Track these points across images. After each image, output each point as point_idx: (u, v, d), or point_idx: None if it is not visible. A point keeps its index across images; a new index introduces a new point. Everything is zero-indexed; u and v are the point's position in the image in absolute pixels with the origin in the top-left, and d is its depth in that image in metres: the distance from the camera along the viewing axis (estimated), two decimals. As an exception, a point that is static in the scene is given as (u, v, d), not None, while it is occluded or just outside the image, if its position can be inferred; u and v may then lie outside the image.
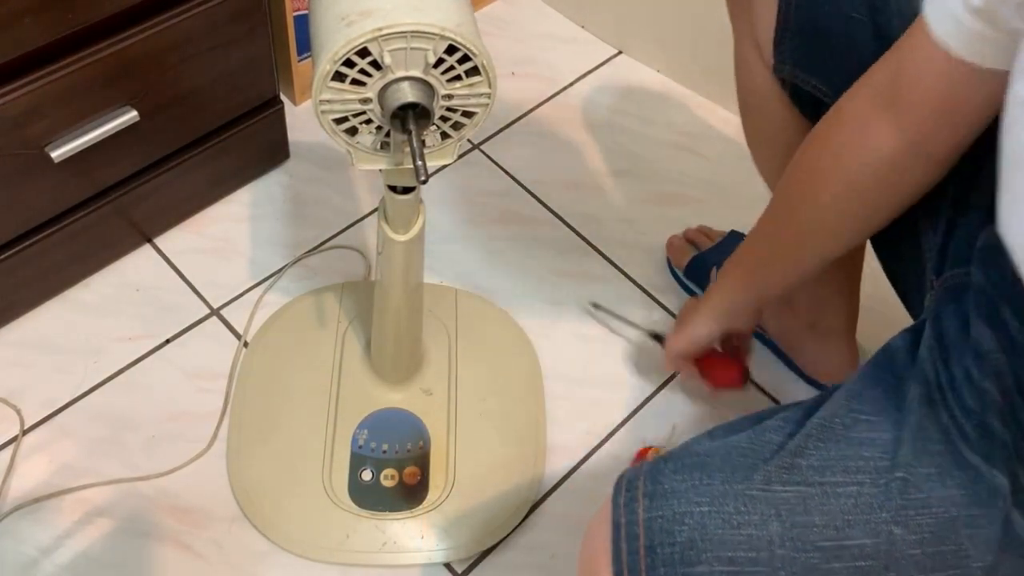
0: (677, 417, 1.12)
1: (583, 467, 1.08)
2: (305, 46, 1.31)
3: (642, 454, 1.05)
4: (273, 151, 1.27)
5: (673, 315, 1.21)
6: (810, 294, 1.05)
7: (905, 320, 0.85)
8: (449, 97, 0.63)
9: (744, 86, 0.94)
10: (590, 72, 1.47)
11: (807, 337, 1.10)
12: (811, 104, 0.85)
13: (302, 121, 1.33)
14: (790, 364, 1.15)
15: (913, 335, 0.68)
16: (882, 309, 0.97)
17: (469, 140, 0.69)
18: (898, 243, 0.81)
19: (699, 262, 1.19)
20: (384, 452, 1.02)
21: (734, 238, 1.20)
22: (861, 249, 1.02)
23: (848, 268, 1.03)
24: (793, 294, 1.08)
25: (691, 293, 1.21)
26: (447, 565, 0.99)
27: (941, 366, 0.62)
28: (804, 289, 1.06)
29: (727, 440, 0.60)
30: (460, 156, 1.32)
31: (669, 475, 0.57)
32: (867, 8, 0.75)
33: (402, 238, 0.84)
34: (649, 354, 1.17)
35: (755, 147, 1.00)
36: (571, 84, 1.45)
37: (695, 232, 1.24)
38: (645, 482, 0.58)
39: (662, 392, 1.14)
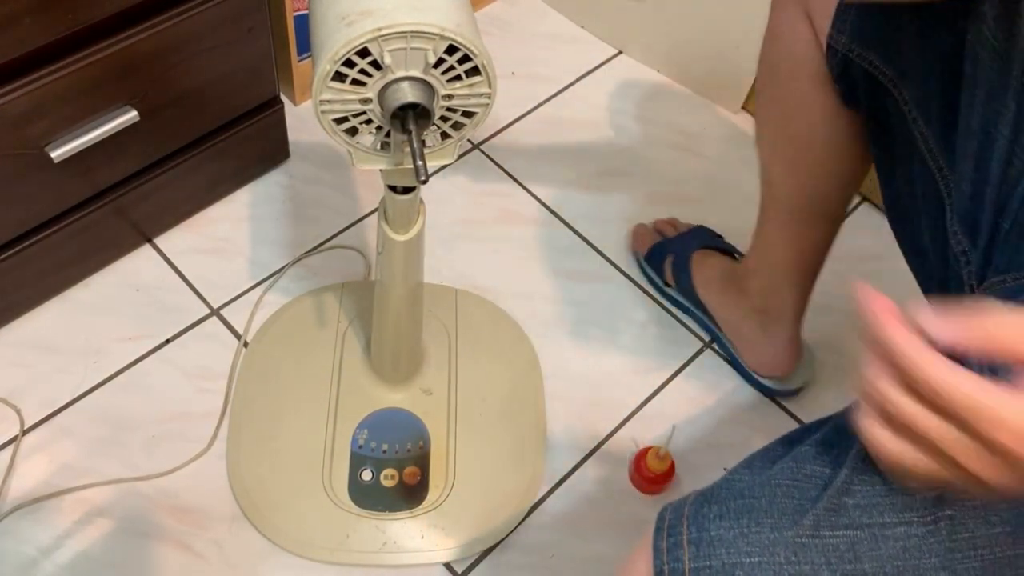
0: (677, 417, 1.12)
1: (583, 467, 1.08)
2: (305, 46, 1.31)
3: (642, 454, 1.05)
4: (273, 151, 1.27)
5: (671, 314, 1.21)
6: (764, 279, 1.07)
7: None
8: (449, 97, 0.63)
9: (779, 52, 0.91)
10: (590, 72, 1.47)
11: (754, 322, 1.11)
12: (865, 80, 0.81)
13: (302, 121, 1.33)
14: (733, 362, 1.16)
15: None
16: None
17: (469, 140, 0.69)
18: (927, 242, 0.80)
19: (658, 249, 1.22)
20: (384, 452, 1.02)
21: (699, 231, 1.22)
22: (824, 247, 1.03)
23: (808, 261, 1.04)
24: (747, 279, 1.10)
25: (651, 282, 1.24)
26: (447, 565, 0.99)
27: (987, 369, 0.61)
28: (759, 274, 1.07)
29: (769, 474, 0.57)
30: (460, 156, 1.32)
31: (716, 521, 0.54)
32: None
33: (402, 238, 0.84)
34: (649, 354, 1.17)
35: (767, 120, 0.98)
36: (571, 84, 1.45)
37: (664, 223, 1.26)
38: (689, 528, 0.54)
39: (662, 392, 1.15)
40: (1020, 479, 0.41)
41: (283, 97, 1.26)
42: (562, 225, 1.28)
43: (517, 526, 1.01)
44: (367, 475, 1.00)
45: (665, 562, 0.54)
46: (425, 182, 0.60)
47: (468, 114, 0.66)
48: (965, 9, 0.71)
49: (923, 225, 0.80)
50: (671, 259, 1.19)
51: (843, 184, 0.98)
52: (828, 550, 0.54)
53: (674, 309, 1.21)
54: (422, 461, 1.02)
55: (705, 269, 1.17)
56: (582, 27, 1.53)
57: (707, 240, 1.21)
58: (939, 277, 0.79)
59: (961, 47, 0.72)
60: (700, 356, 1.18)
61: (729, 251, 1.20)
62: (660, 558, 0.54)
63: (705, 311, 1.17)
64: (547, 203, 1.30)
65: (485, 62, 0.62)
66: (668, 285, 1.21)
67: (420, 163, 0.60)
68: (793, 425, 1.13)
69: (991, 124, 0.70)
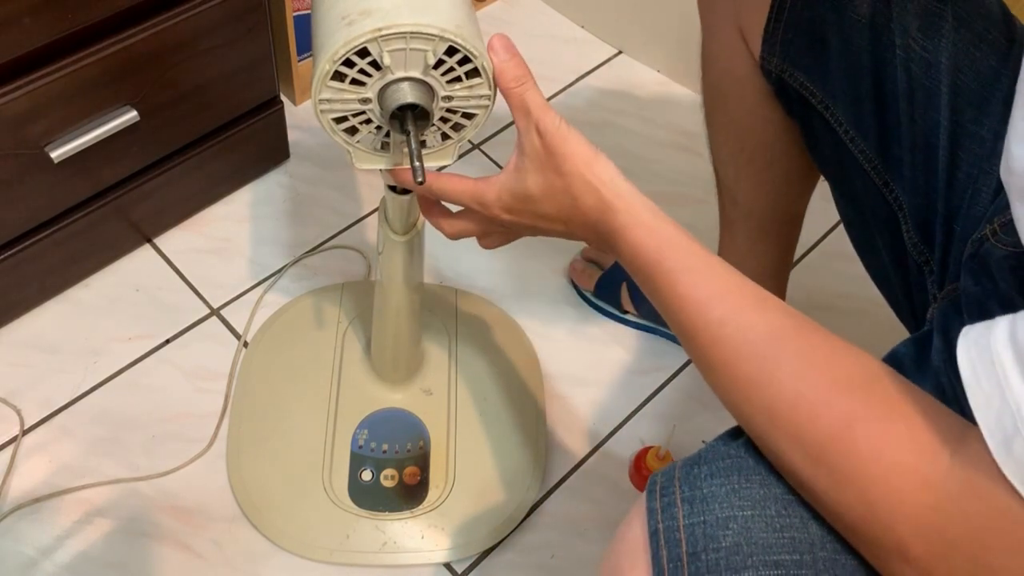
0: (677, 417, 1.12)
1: (583, 467, 1.08)
2: (305, 46, 1.31)
3: (642, 454, 1.05)
4: (273, 151, 1.27)
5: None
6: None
7: (896, 323, 0.86)
8: (449, 98, 0.63)
9: (720, 74, 0.91)
10: (590, 72, 1.47)
11: None
12: (798, 102, 0.82)
13: (302, 121, 1.33)
14: None
15: (917, 345, 0.67)
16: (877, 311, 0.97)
17: (469, 140, 0.69)
18: (887, 261, 0.80)
19: (608, 280, 1.17)
20: (384, 452, 1.02)
21: None
22: (796, 240, 1.03)
23: (783, 260, 1.04)
24: None
25: (606, 314, 1.19)
26: (447, 565, 0.99)
27: (954, 376, 0.62)
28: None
29: (749, 437, 0.58)
30: (460, 156, 1.32)
31: (707, 480, 0.55)
32: (868, 9, 0.73)
33: (402, 239, 0.84)
34: (649, 354, 1.17)
35: (720, 138, 0.97)
36: (571, 84, 1.45)
37: (592, 250, 1.21)
38: (681, 487, 0.55)
39: (662, 392, 1.15)
40: (509, 233, 0.68)
41: (283, 97, 1.26)
42: (562, 225, 1.28)
43: (517, 527, 1.01)
44: (367, 475, 1.00)
45: (660, 520, 0.55)
46: (422, 183, 0.60)
47: (468, 116, 0.66)
48: (889, 24, 0.72)
49: (879, 244, 0.80)
50: (626, 286, 1.15)
51: (811, 186, 0.99)
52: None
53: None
54: (422, 461, 1.02)
55: None
56: (582, 27, 1.53)
57: None
58: (903, 290, 0.80)
59: (888, 61, 0.73)
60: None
61: None
62: (654, 518, 0.55)
63: None
64: (547, 203, 1.30)
65: (485, 64, 0.62)
66: (625, 312, 1.18)
67: (418, 164, 0.60)
68: (793, 425, 1.13)
69: (931, 133, 0.71)
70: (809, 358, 0.51)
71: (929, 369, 0.63)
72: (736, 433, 0.59)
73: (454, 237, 0.71)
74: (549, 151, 0.61)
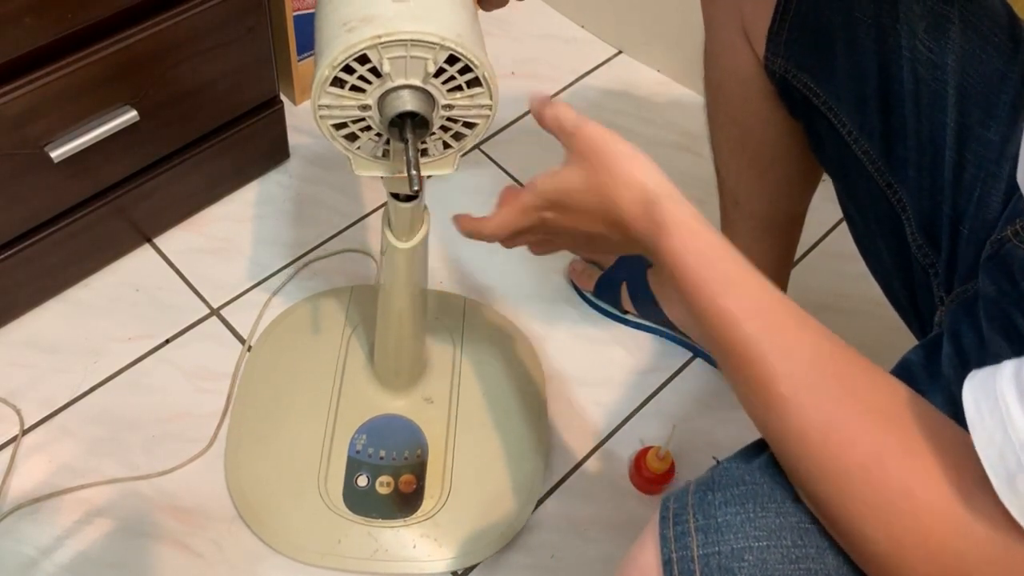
0: (677, 417, 1.12)
1: (583, 467, 1.08)
2: (305, 46, 1.31)
3: (642, 454, 1.05)
4: (273, 151, 1.27)
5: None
6: None
7: (897, 323, 0.86)
8: (450, 107, 0.63)
9: (723, 73, 0.91)
10: (590, 72, 1.47)
11: None
12: (801, 103, 0.82)
13: (302, 121, 1.33)
14: (711, 360, 1.16)
15: (927, 351, 0.67)
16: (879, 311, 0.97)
17: (469, 141, 0.69)
18: (890, 264, 0.80)
19: (607, 280, 1.17)
20: (381, 458, 1.01)
21: None
22: (798, 239, 1.03)
23: (785, 259, 1.04)
24: None
25: (606, 314, 1.20)
26: None
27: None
28: None
29: (763, 459, 0.57)
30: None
31: (722, 507, 0.54)
32: (874, 10, 0.73)
33: (405, 245, 0.83)
34: (649, 354, 1.17)
35: (722, 137, 0.97)
36: (571, 84, 1.45)
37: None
38: (695, 515, 0.54)
39: (662, 392, 1.15)
40: (591, 244, 0.67)
41: (283, 97, 1.26)
42: (562, 225, 1.28)
43: (509, 542, 1.00)
44: (363, 480, 1.00)
45: (673, 550, 0.54)
46: (417, 192, 0.60)
47: (469, 125, 0.66)
48: (895, 25, 0.72)
49: (881, 245, 0.80)
50: (626, 286, 1.16)
51: (813, 187, 0.98)
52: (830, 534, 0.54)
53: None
54: (419, 470, 1.01)
55: (669, 289, 1.13)
56: (582, 27, 1.53)
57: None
58: (906, 292, 0.79)
59: (894, 62, 0.72)
60: (699, 356, 1.18)
61: None
62: (668, 547, 0.54)
63: (675, 329, 1.15)
64: (547, 203, 1.30)
65: (487, 73, 0.61)
66: (626, 312, 1.18)
67: (414, 172, 0.59)
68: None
69: (937, 135, 0.71)
70: (848, 385, 0.51)
71: (940, 379, 0.63)
72: (749, 454, 0.58)
73: (499, 238, 0.70)
74: (596, 150, 0.62)
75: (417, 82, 0.61)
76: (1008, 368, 0.43)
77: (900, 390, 0.50)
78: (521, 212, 0.67)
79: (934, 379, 0.64)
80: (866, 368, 0.51)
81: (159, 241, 1.20)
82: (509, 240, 0.70)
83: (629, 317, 1.18)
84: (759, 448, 0.59)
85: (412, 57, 0.59)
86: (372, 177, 0.70)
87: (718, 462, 0.61)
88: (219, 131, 1.15)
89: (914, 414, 0.48)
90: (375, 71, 0.60)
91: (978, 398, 0.43)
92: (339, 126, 0.65)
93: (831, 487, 0.49)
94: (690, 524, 0.54)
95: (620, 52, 1.50)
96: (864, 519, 0.48)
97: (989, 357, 0.59)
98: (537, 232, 0.68)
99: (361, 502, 0.99)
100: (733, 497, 0.54)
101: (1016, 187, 0.64)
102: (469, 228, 0.70)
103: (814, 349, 0.52)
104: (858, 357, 0.52)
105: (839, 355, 0.52)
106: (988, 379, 0.44)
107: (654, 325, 1.17)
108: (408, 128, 0.61)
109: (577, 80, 1.45)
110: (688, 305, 0.58)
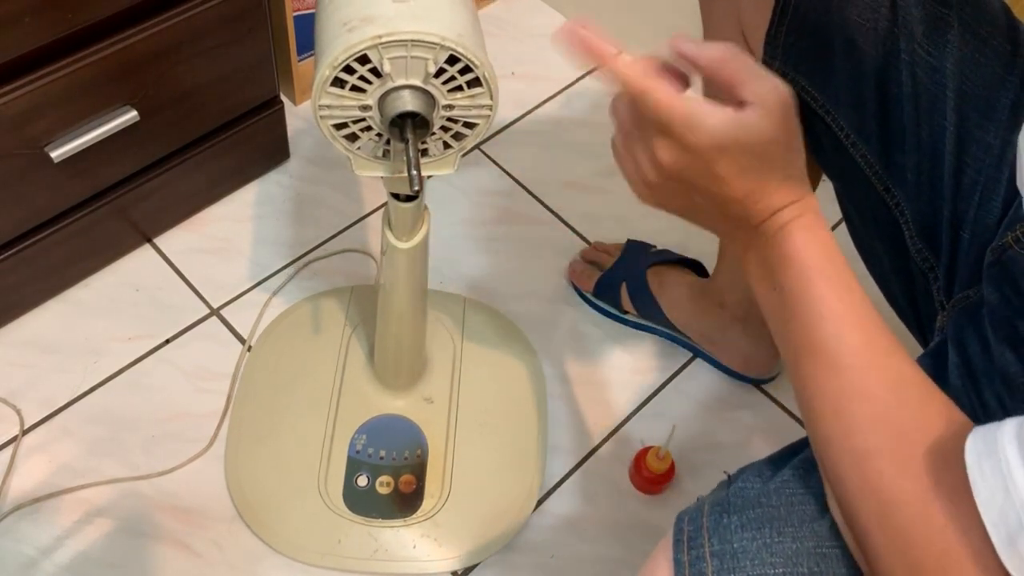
0: (677, 417, 1.12)
1: (583, 467, 1.08)
2: (305, 46, 1.31)
3: (642, 454, 1.05)
4: (273, 151, 1.27)
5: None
6: (741, 292, 1.06)
7: (896, 325, 0.85)
8: (450, 107, 0.63)
9: None
10: (590, 72, 1.47)
11: (738, 332, 1.10)
12: (801, 106, 0.82)
13: (302, 121, 1.33)
14: (710, 360, 1.16)
15: (933, 360, 0.67)
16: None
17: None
18: (889, 268, 0.80)
19: (607, 281, 1.18)
20: (381, 458, 1.01)
21: (633, 247, 1.19)
22: None
23: None
24: (723, 294, 1.08)
25: (606, 315, 1.20)
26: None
27: (975, 395, 0.61)
28: (735, 288, 1.06)
29: (779, 480, 0.57)
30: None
31: (737, 532, 0.53)
32: (871, 12, 0.73)
33: (405, 245, 0.83)
34: (649, 354, 1.17)
35: None
36: (571, 84, 1.45)
37: (592, 251, 1.22)
38: (711, 539, 0.54)
39: (662, 392, 1.15)
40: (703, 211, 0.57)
41: (283, 97, 1.26)
42: (562, 225, 1.28)
43: (509, 542, 1.01)
44: (363, 480, 1.00)
45: (688, 575, 0.53)
46: (417, 192, 0.60)
47: (469, 125, 0.66)
48: (894, 29, 0.71)
49: (880, 249, 0.80)
50: (625, 287, 1.16)
51: (812, 186, 0.98)
52: (848, 559, 0.54)
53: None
54: (419, 470, 1.01)
55: (669, 289, 1.14)
56: (582, 27, 1.52)
57: (652, 257, 1.17)
58: (906, 296, 0.79)
59: (893, 66, 0.72)
60: (699, 356, 1.18)
61: (674, 260, 1.17)
62: (682, 571, 0.53)
63: (675, 329, 1.15)
64: (547, 203, 1.30)
65: (487, 73, 0.61)
66: (626, 312, 1.18)
67: (415, 173, 0.59)
68: (795, 425, 1.13)
69: (936, 139, 0.71)
70: (927, 413, 0.50)
71: (950, 389, 0.63)
72: (764, 472, 0.57)
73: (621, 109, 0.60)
74: (785, 104, 0.54)
75: (417, 82, 0.61)
76: (1010, 426, 0.43)
77: (960, 428, 0.49)
78: (646, 150, 0.56)
79: (943, 390, 0.64)
80: (947, 405, 0.51)
81: (159, 241, 1.20)
82: (626, 134, 0.58)
83: (629, 317, 1.18)
84: (774, 466, 0.59)
85: (413, 57, 0.59)
86: (372, 177, 0.69)
87: (729, 476, 0.61)
88: (219, 131, 1.15)
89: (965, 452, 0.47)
90: (376, 71, 0.60)
91: (980, 454, 0.43)
92: (340, 126, 0.65)
93: (871, 511, 0.49)
94: (705, 549, 0.54)
95: (620, 53, 1.50)
96: (896, 551, 0.47)
97: (995, 366, 0.59)
98: (661, 170, 0.56)
99: (361, 502, 0.99)
100: (749, 521, 0.54)
101: (1016, 192, 0.64)
102: (599, 53, 0.59)
103: (898, 375, 0.51)
104: (938, 391, 0.51)
105: (921, 385, 0.51)
106: (990, 435, 0.43)
107: (654, 325, 1.17)
108: (408, 128, 0.61)
109: (577, 80, 1.45)
110: (780, 294, 0.54)
